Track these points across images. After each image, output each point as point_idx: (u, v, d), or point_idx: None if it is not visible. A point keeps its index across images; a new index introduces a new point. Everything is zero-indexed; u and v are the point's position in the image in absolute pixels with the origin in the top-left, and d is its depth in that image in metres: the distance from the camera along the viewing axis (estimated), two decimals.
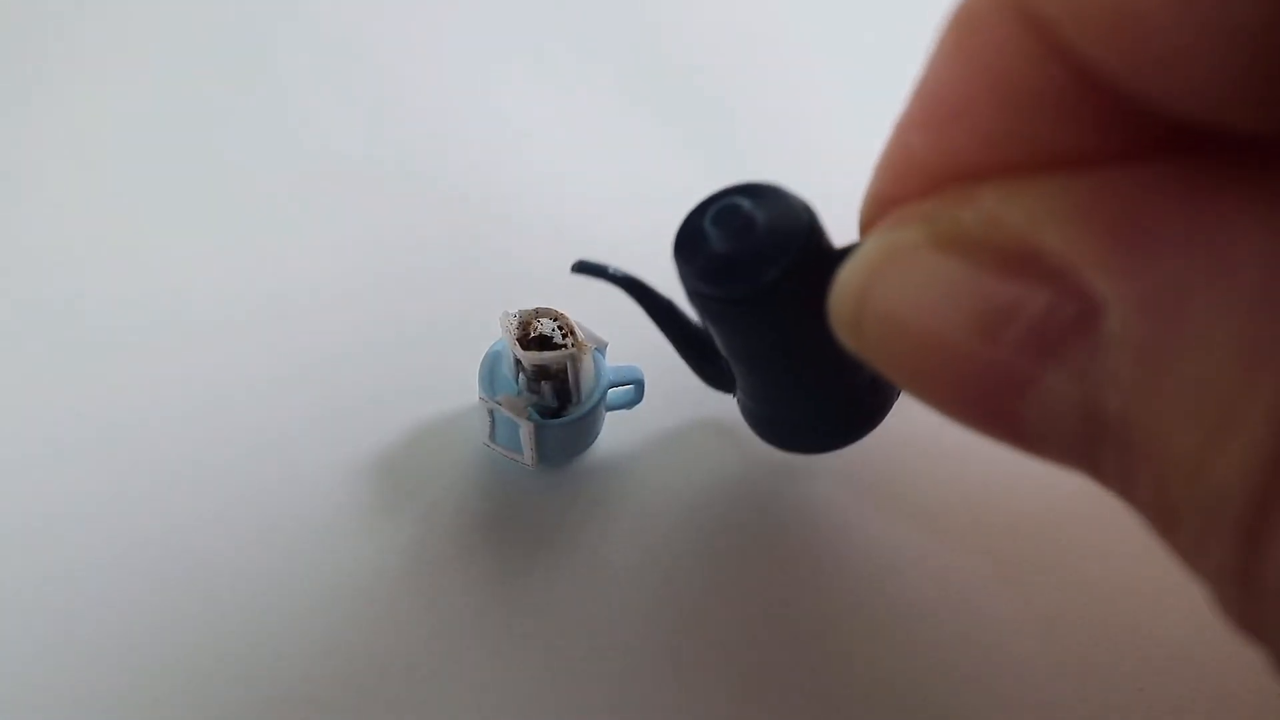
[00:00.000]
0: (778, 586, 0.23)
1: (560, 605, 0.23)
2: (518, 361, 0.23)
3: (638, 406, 0.25)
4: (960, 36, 0.15)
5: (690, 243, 0.20)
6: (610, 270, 0.22)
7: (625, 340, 0.26)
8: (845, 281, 0.17)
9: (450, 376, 0.25)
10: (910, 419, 0.25)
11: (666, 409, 0.25)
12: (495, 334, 0.23)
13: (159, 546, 0.23)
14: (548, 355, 0.22)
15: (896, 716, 0.22)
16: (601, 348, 0.24)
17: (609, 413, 0.24)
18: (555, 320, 0.23)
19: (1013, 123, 0.15)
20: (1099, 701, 0.22)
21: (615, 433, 0.25)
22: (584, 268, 0.22)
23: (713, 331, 0.21)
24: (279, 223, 0.28)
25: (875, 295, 0.17)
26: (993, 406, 0.15)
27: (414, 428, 0.25)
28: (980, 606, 0.23)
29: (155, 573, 0.23)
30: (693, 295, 0.21)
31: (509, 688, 0.22)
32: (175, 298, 0.27)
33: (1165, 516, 0.14)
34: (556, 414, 0.23)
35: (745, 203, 0.20)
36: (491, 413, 0.23)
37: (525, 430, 0.23)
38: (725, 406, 0.25)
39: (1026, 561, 0.24)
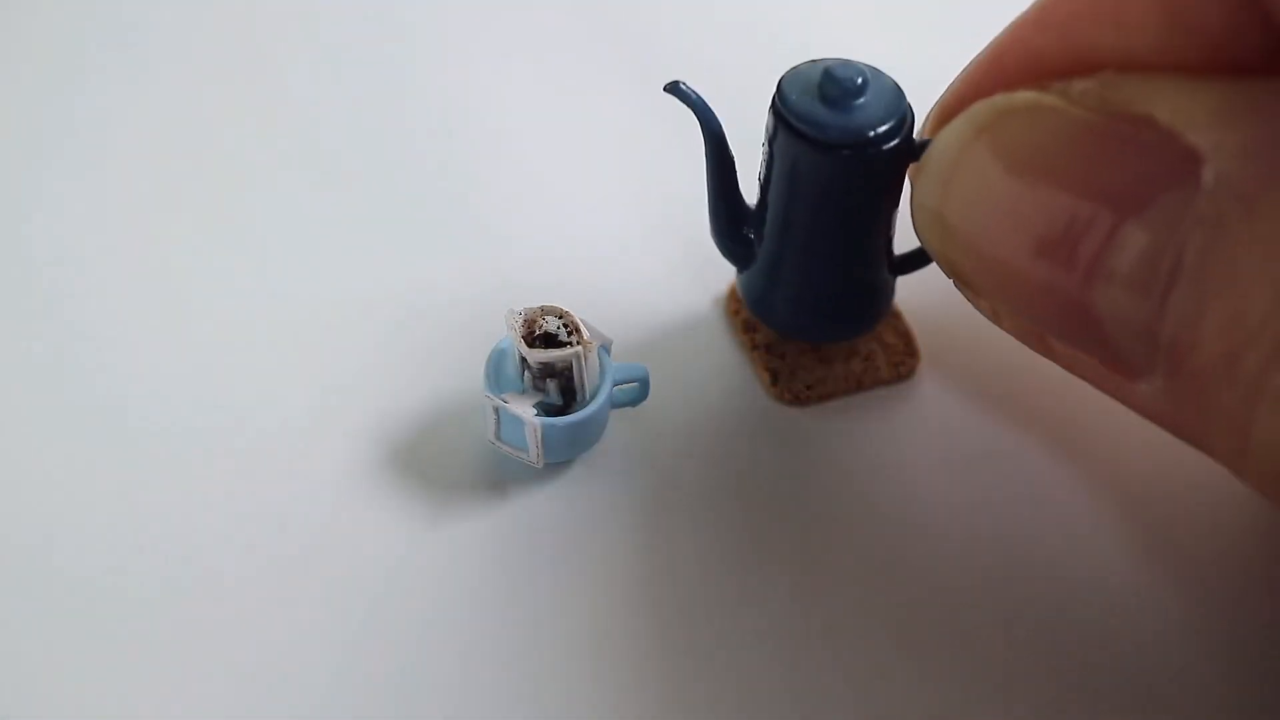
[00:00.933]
0: (785, 584, 0.23)
1: (564, 602, 0.23)
2: (523, 359, 0.23)
3: (642, 404, 0.25)
4: None
5: (802, 87, 0.22)
6: (698, 100, 0.23)
7: (630, 338, 0.26)
8: (931, 170, 0.19)
9: (455, 374, 0.25)
10: (919, 433, 0.25)
11: (671, 406, 0.25)
12: (500, 331, 0.23)
13: (164, 541, 0.23)
14: (553, 353, 0.22)
15: (906, 713, 0.22)
16: (606, 345, 0.24)
17: (614, 410, 0.24)
18: (560, 318, 0.23)
19: (1166, 42, 0.17)
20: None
21: (620, 430, 0.25)
22: (676, 90, 0.23)
23: (775, 190, 0.23)
24: (283, 225, 0.28)
25: (952, 209, 0.19)
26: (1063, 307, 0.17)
27: (419, 425, 0.25)
28: (978, 616, 0.23)
29: (159, 567, 0.23)
30: (790, 136, 0.22)
31: (509, 686, 0.22)
32: (180, 299, 0.27)
33: (1230, 358, 0.15)
34: (561, 412, 0.23)
35: (861, 68, 0.22)
36: (497, 410, 0.23)
37: (530, 428, 0.23)
38: (728, 403, 0.26)
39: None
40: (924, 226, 0.20)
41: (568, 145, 0.30)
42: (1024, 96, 0.18)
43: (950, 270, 0.20)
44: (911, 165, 0.22)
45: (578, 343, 0.23)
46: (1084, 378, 0.19)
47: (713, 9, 0.34)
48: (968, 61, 0.21)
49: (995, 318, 0.20)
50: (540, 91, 0.31)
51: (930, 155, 0.20)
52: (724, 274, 0.26)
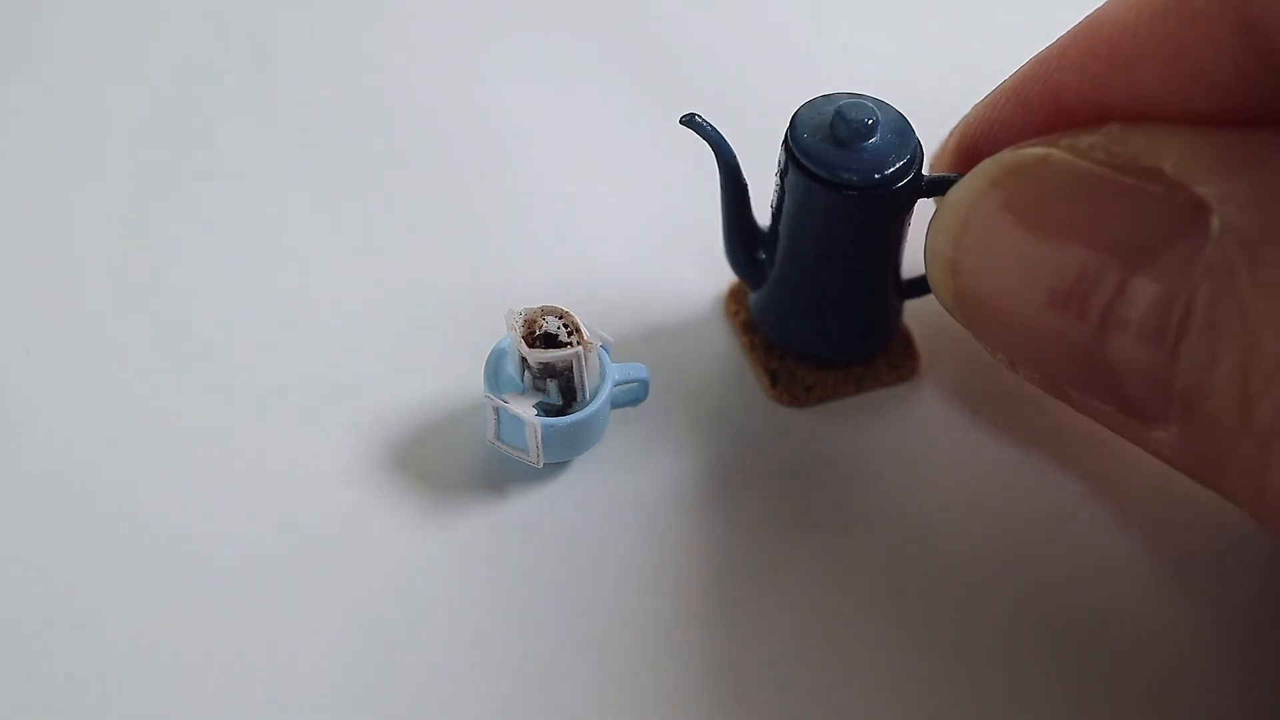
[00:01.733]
0: (785, 584, 0.23)
1: (564, 602, 0.23)
2: (523, 359, 0.23)
3: (642, 404, 0.25)
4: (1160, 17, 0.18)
5: (813, 124, 0.22)
6: (713, 132, 0.23)
7: (630, 338, 0.26)
8: (941, 227, 0.20)
9: (455, 374, 0.25)
10: (919, 434, 0.25)
11: (671, 407, 0.25)
12: (500, 331, 0.23)
13: (163, 541, 0.23)
14: (553, 353, 0.22)
15: (907, 713, 0.22)
16: (607, 345, 0.24)
17: (614, 410, 0.24)
18: (561, 318, 0.23)
19: (1176, 86, 0.17)
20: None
21: (620, 431, 0.25)
22: (691, 122, 0.23)
23: (786, 222, 0.23)
24: (285, 224, 0.28)
25: (964, 264, 0.19)
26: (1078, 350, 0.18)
27: (419, 425, 0.25)
28: (978, 617, 0.23)
29: (158, 566, 0.23)
30: (801, 175, 0.22)
31: (509, 686, 0.22)
32: (180, 299, 0.27)
33: (1243, 406, 0.15)
34: (561, 412, 0.23)
35: (871, 107, 0.22)
36: (497, 410, 0.23)
37: (530, 428, 0.23)
38: (728, 404, 0.26)
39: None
40: (938, 282, 0.21)
41: (569, 146, 0.30)
42: (1033, 151, 0.18)
43: (965, 323, 0.21)
44: (924, 200, 0.22)
45: (578, 343, 0.23)
46: (1101, 423, 0.19)
47: (708, 8, 0.34)
48: (986, 91, 0.22)
49: (1011, 366, 0.20)
50: (543, 93, 0.31)
51: (943, 210, 0.20)
52: (724, 274, 0.26)
